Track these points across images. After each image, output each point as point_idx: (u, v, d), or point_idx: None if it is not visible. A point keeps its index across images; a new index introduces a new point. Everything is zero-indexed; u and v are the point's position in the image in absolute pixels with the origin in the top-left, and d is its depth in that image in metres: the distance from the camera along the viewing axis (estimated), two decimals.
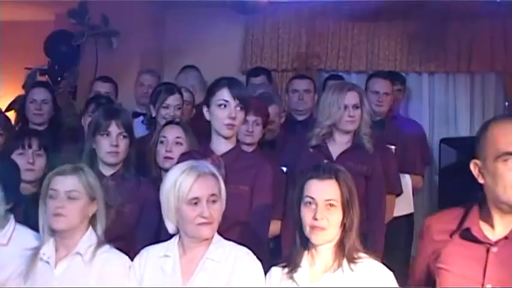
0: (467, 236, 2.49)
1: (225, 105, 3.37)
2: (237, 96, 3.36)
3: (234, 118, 3.36)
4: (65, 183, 2.95)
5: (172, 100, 4.45)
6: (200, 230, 2.79)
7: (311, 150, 4.05)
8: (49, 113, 4.81)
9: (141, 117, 5.14)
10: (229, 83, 3.41)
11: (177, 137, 3.91)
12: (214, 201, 2.81)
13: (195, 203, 2.78)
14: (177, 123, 4.04)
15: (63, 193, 2.93)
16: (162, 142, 3.92)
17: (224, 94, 3.38)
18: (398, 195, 4.50)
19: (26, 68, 6.57)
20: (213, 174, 2.85)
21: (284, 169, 4.17)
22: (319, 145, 4.05)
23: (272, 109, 4.42)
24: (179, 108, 4.47)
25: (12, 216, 3.15)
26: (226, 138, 3.41)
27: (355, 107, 3.98)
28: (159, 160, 3.91)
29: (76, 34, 6.39)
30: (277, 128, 4.59)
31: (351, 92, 4.00)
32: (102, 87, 5.27)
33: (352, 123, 3.99)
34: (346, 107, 3.97)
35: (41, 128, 4.67)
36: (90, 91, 5.40)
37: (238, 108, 3.37)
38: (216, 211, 2.81)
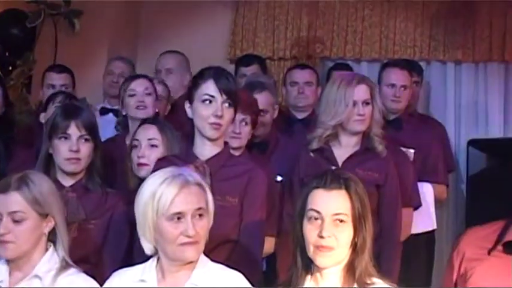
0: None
1: (210, 101, 3.36)
2: (225, 90, 3.35)
3: (220, 116, 3.35)
4: (7, 203, 2.93)
5: (137, 84, 4.50)
6: (183, 251, 2.77)
7: (312, 154, 4.06)
8: None
9: (110, 114, 5.16)
10: (216, 73, 3.40)
11: (151, 139, 3.90)
12: (200, 216, 2.79)
13: (178, 219, 2.76)
14: (152, 122, 4.03)
15: (6, 215, 2.92)
16: (135, 146, 3.92)
17: (209, 88, 3.37)
18: (416, 208, 4.52)
19: None
20: (199, 184, 2.83)
21: (279, 178, 4.17)
22: (321, 149, 4.06)
23: (263, 97, 4.41)
24: (148, 94, 4.50)
25: None
26: (211, 140, 3.41)
27: (366, 103, 4.00)
28: (134, 167, 3.91)
29: (31, 14, 6.38)
30: (270, 122, 4.55)
31: (360, 85, 4.01)
32: (58, 79, 5.25)
33: (362, 122, 4.01)
34: (355, 103, 3.98)
35: None
36: (42, 84, 5.39)
37: (226, 105, 3.36)
38: (203, 228, 2.79)
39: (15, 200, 2.93)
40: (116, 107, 5.35)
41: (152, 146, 3.88)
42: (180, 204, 2.76)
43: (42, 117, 4.59)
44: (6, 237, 2.90)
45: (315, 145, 4.06)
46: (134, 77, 4.58)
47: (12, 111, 5.00)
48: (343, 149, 4.06)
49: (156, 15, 6.75)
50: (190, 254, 2.78)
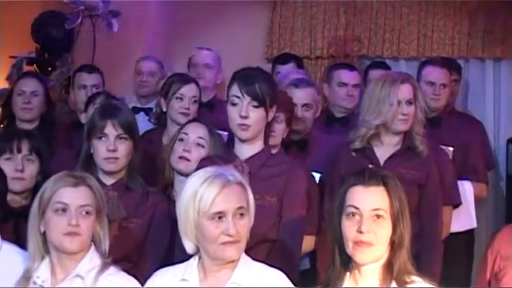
0: None
1: (236, 103, 3.43)
2: (248, 91, 3.41)
3: (245, 117, 3.41)
4: (77, 196, 2.99)
5: (187, 90, 4.50)
6: (224, 250, 2.80)
7: (353, 154, 4.08)
8: (40, 107, 4.84)
9: (142, 113, 5.20)
10: (241, 75, 3.47)
11: (200, 137, 3.93)
12: (241, 216, 2.82)
13: (219, 218, 2.80)
14: (203, 122, 4.05)
15: (76, 208, 2.97)
16: (181, 140, 3.94)
17: (235, 89, 3.44)
18: (456, 206, 4.53)
19: (11, 57, 6.64)
20: (240, 184, 2.87)
21: (317, 176, 4.20)
22: (363, 148, 4.07)
23: (309, 92, 4.47)
24: (195, 102, 4.52)
25: None
26: (243, 140, 3.47)
27: (409, 102, 4.02)
28: (173, 159, 3.93)
29: (70, 16, 6.44)
30: (312, 119, 4.60)
31: (404, 84, 4.03)
32: (89, 80, 5.31)
33: (405, 122, 4.02)
34: (399, 103, 4.00)
35: (30, 126, 4.72)
36: (72, 85, 5.45)
37: (252, 106, 3.42)
38: (244, 227, 2.82)
39: (86, 194, 3.00)
40: (146, 106, 5.41)
41: (199, 144, 3.92)
42: (221, 203, 2.79)
43: (83, 118, 4.64)
44: (77, 229, 2.95)
45: (357, 145, 4.08)
46: (186, 81, 4.55)
47: (53, 111, 5.09)
48: (385, 148, 4.08)
49: (193, 15, 6.78)
50: (231, 253, 2.81)
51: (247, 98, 3.40)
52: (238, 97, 3.42)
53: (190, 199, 2.83)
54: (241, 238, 2.82)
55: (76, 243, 2.97)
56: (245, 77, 3.45)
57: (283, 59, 5.87)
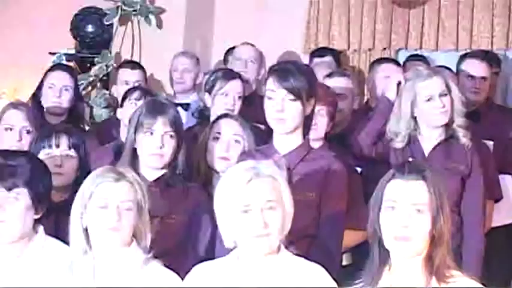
0: None
1: (271, 97, 3.44)
2: (284, 84, 3.41)
3: (280, 111, 3.42)
4: (118, 192, 3.01)
5: (233, 87, 4.51)
6: (255, 242, 2.82)
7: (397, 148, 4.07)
8: (69, 102, 4.86)
9: (179, 109, 5.22)
10: (277, 69, 3.48)
11: (235, 134, 3.95)
12: (271, 209, 2.83)
13: (248, 211, 2.82)
14: (233, 117, 4.08)
15: (117, 203, 3.00)
16: (217, 139, 3.96)
17: (270, 83, 3.45)
18: (497, 201, 4.50)
19: (50, 53, 6.71)
20: (272, 177, 2.88)
21: (358, 169, 4.19)
22: (407, 142, 4.08)
23: (341, 81, 4.50)
24: (239, 98, 4.53)
25: (42, 228, 3.25)
26: (280, 134, 3.47)
27: (442, 95, 4.00)
28: (212, 160, 3.95)
29: (108, 11, 6.49)
30: (348, 109, 4.59)
31: (430, 79, 4.03)
32: (132, 76, 5.33)
33: (443, 114, 4.01)
34: (430, 98, 3.99)
35: (58, 120, 4.76)
36: (115, 80, 5.48)
37: (288, 99, 3.42)
38: (274, 220, 2.82)
39: (126, 190, 3.03)
40: (183, 101, 5.43)
41: (236, 141, 3.93)
42: (249, 196, 2.81)
43: (119, 113, 4.67)
44: (118, 224, 2.98)
45: (399, 144, 4.08)
46: (231, 77, 4.55)
47: (82, 106, 5.11)
48: (427, 141, 4.07)
49: (231, 10, 6.80)
50: (261, 246, 2.82)
51: (282, 92, 3.41)
52: (273, 91, 3.43)
53: (223, 193, 2.87)
54: (272, 231, 2.82)
55: (116, 238, 3.00)
56: (280, 70, 3.46)
57: (321, 52, 5.86)
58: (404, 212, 2.70)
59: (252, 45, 5.57)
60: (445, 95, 4.00)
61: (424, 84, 4.01)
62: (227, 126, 3.98)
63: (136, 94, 4.57)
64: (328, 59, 5.69)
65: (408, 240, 2.69)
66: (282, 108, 3.41)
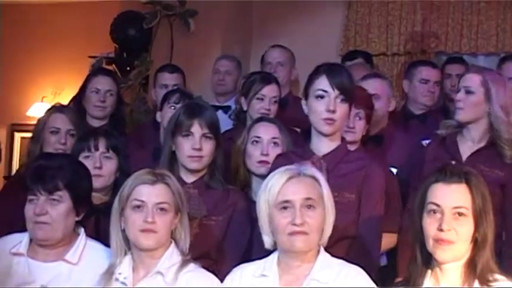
0: None
1: (322, 96, 3.40)
2: (337, 85, 3.38)
3: (333, 111, 3.38)
4: (154, 193, 3.02)
5: (269, 90, 4.49)
6: (292, 240, 2.81)
7: (436, 149, 4.04)
8: (112, 106, 4.88)
9: (220, 111, 5.22)
10: (329, 69, 3.44)
11: (273, 137, 3.93)
12: (310, 207, 2.83)
13: (286, 208, 2.82)
14: (270, 120, 4.07)
15: (153, 205, 3.00)
16: (256, 142, 3.94)
17: (322, 83, 3.41)
18: None
19: (90, 57, 6.75)
20: (313, 177, 2.88)
21: (394, 170, 4.16)
22: (446, 143, 4.03)
23: (376, 83, 4.46)
24: (275, 102, 4.51)
25: (83, 231, 3.26)
26: (326, 135, 3.44)
27: (467, 92, 3.96)
28: (251, 164, 3.94)
29: (147, 15, 6.51)
30: (383, 110, 4.56)
31: (468, 74, 4.02)
32: (170, 79, 5.34)
33: (459, 111, 3.97)
34: (459, 90, 4.00)
35: (100, 123, 4.78)
36: (154, 84, 5.49)
37: (339, 100, 3.39)
38: (313, 219, 2.83)
39: (162, 192, 3.03)
40: (224, 104, 5.43)
41: (275, 144, 3.91)
42: (288, 192, 2.82)
43: (159, 116, 4.67)
44: (153, 226, 2.98)
45: (443, 131, 4.05)
46: (267, 81, 4.53)
47: (124, 110, 5.14)
48: (468, 144, 4.01)
49: (268, 13, 6.80)
50: (299, 244, 2.81)
51: (336, 92, 3.38)
52: (325, 91, 3.39)
53: (263, 192, 2.89)
54: (311, 230, 2.82)
55: (151, 240, 3.00)
56: (333, 70, 3.44)
57: (351, 55, 5.83)
58: (446, 215, 2.67)
59: (282, 47, 5.56)
60: (471, 92, 3.93)
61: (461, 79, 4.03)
62: (265, 130, 3.97)
63: (175, 97, 4.57)
64: (359, 61, 5.65)
65: (449, 244, 2.67)
66: (334, 109, 3.38)
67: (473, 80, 3.96)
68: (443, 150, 4.01)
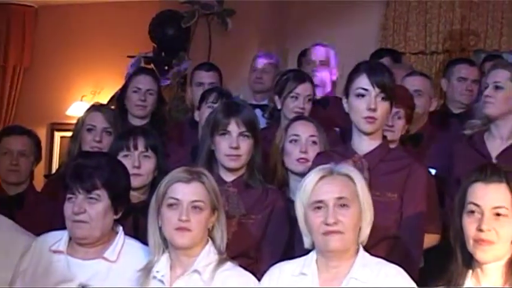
0: None
1: (363, 95, 3.37)
2: (378, 83, 3.35)
3: (374, 110, 3.35)
4: (189, 191, 3.01)
5: (303, 89, 4.47)
6: (326, 240, 2.80)
7: (466, 147, 3.99)
8: (153, 105, 4.88)
9: (257, 110, 5.20)
10: (369, 67, 3.41)
11: (312, 135, 3.90)
12: (343, 206, 2.81)
13: (320, 207, 2.81)
14: (308, 119, 4.05)
15: (187, 203, 3.00)
16: (294, 141, 3.92)
17: (362, 81, 3.37)
18: None
19: (129, 56, 6.77)
20: (347, 175, 2.87)
21: (432, 171, 4.12)
22: (474, 141, 4.00)
23: (419, 80, 4.46)
24: (309, 100, 4.49)
25: (121, 229, 3.27)
26: (367, 134, 3.41)
27: (496, 87, 3.91)
28: (290, 162, 3.91)
29: (186, 15, 6.53)
30: (424, 108, 4.53)
31: (496, 69, 3.97)
32: (206, 77, 5.33)
33: (489, 106, 3.93)
34: (487, 86, 3.96)
35: (141, 123, 4.76)
36: (190, 82, 5.49)
37: (380, 98, 3.36)
38: (347, 218, 2.81)
39: (197, 190, 3.02)
40: (261, 103, 5.41)
41: (313, 142, 3.88)
42: (320, 192, 2.82)
43: (197, 116, 4.67)
44: (187, 224, 2.97)
45: (468, 132, 4.03)
46: (301, 80, 4.49)
47: (164, 109, 5.13)
48: (497, 142, 3.98)
49: (305, 12, 6.79)
50: (333, 244, 2.80)
51: (376, 90, 3.35)
52: (365, 89, 3.36)
53: (299, 191, 2.89)
54: (345, 229, 2.81)
55: (186, 238, 2.99)
56: (373, 68, 3.41)
57: (378, 54, 5.79)
58: (486, 215, 2.64)
59: (325, 45, 5.52)
60: (500, 88, 3.91)
61: (489, 74, 4.01)
62: (304, 128, 3.94)
63: (213, 97, 4.55)
64: (386, 60, 5.60)
65: (490, 245, 2.64)
66: (375, 107, 3.35)
67: (501, 75, 3.92)
68: (472, 148, 3.98)
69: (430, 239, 3.86)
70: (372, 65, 3.45)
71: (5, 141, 4.24)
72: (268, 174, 3.88)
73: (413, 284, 2.83)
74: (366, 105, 3.35)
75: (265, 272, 3.04)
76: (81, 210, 3.12)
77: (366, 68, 3.39)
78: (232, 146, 3.54)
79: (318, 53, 5.47)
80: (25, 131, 4.33)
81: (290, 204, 3.56)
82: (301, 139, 3.90)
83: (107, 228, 3.19)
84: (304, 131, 3.92)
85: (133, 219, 3.54)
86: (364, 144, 3.43)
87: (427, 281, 2.86)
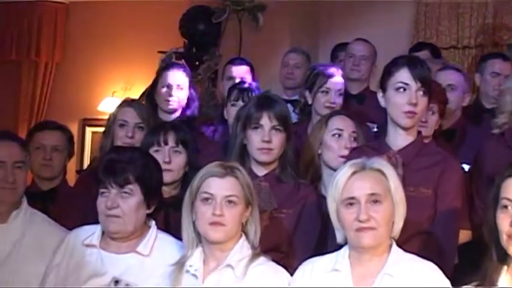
0: None
1: (404, 89, 3.36)
2: (419, 77, 3.34)
3: (415, 104, 3.34)
4: (223, 186, 3.01)
5: (333, 84, 4.45)
6: (359, 236, 2.79)
7: (495, 144, 3.96)
8: (183, 100, 4.86)
9: (288, 105, 5.19)
10: (410, 61, 3.41)
11: (353, 131, 3.87)
12: (376, 202, 2.80)
13: (352, 204, 2.80)
14: (347, 114, 3.99)
15: (222, 198, 2.99)
16: (338, 135, 3.86)
17: (403, 75, 3.37)
18: None
19: (160, 52, 6.79)
20: (380, 171, 2.85)
21: (466, 167, 4.09)
22: (505, 137, 3.95)
23: (453, 74, 4.43)
24: (340, 95, 4.48)
25: (153, 223, 3.28)
26: (405, 129, 3.40)
27: None
28: (331, 157, 3.86)
29: (217, 10, 6.54)
30: (457, 102, 4.51)
31: None
32: (236, 72, 5.32)
33: None
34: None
35: (171, 118, 4.76)
36: (222, 77, 5.49)
37: (421, 93, 3.35)
38: (379, 214, 2.79)
39: (232, 184, 3.02)
40: (293, 98, 5.40)
41: (354, 139, 3.86)
42: (352, 188, 2.80)
43: (225, 112, 4.68)
44: (221, 219, 2.97)
45: (495, 130, 3.99)
46: (331, 74, 4.47)
47: (195, 104, 5.08)
48: None
49: (337, 7, 6.77)
50: (366, 240, 2.79)
51: (418, 85, 3.34)
52: (406, 83, 3.35)
53: (330, 187, 2.88)
54: (378, 225, 2.79)
55: (220, 233, 2.99)
56: (414, 62, 3.40)
57: (417, 47, 5.76)
58: None
59: (366, 41, 5.49)
60: None
61: None
62: (346, 124, 3.90)
63: (234, 95, 4.51)
64: (424, 53, 5.57)
65: None
66: (416, 102, 3.34)
67: None
68: (503, 145, 3.92)
69: (463, 235, 3.83)
70: (412, 59, 3.44)
71: (39, 136, 4.26)
72: (300, 169, 3.88)
73: (447, 281, 2.81)
74: (407, 99, 3.34)
75: (296, 267, 3.03)
76: (114, 204, 3.14)
77: (406, 62, 3.38)
78: (264, 140, 3.54)
79: (360, 47, 5.44)
80: (58, 126, 4.35)
81: (322, 199, 3.57)
82: (344, 134, 3.87)
83: (140, 222, 3.21)
84: (347, 126, 3.89)
85: (165, 214, 3.55)
86: (399, 140, 3.42)
87: (461, 278, 2.83)
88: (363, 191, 2.80)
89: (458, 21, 6.49)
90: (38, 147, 4.20)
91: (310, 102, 4.48)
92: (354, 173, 2.83)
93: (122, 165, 3.18)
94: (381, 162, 2.90)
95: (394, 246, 2.85)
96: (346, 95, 4.58)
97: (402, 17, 6.66)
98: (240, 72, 5.26)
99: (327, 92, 4.43)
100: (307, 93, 4.51)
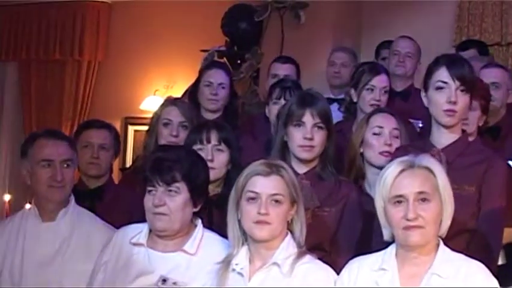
0: None
1: (443, 88, 3.36)
2: (458, 76, 3.34)
3: (454, 103, 3.34)
4: (268, 185, 3.02)
5: (378, 81, 4.44)
6: (407, 235, 2.78)
7: None
8: (225, 99, 4.89)
9: (334, 104, 5.19)
10: (449, 60, 3.40)
11: (395, 128, 3.86)
12: (424, 201, 2.79)
13: (400, 202, 2.79)
14: (389, 112, 3.99)
15: (267, 197, 3.00)
16: (378, 133, 3.86)
17: (442, 74, 3.37)
18: None
19: (202, 50, 6.82)
20: (427, 168, 2.84)
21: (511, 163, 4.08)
22: None
23: (496, 71, 4.42)
24: (385, 92, 4.47)
25: (200, 222, 3.31)
26: (447, 127, 3.39)
27: None
28: (372, 155, 3.87)
29: (259, 8, 6.54)
30: (502, 100, 4.49)
31: None
32: (281, 69, 5.31)
33: None
34: None
35: (214, 116, 4.79)
36: (267, 75, 5.50)
37: (460, 91, 3.35)
38: (427, 212, 2.78)
39: (277, 183, 3.02)
40: (339, 97, 5.39)
41: (396, 137, 3.85)
42: (400, 186, 2.79)
43: (267, 111, 4.68)
44: (267, 217, 2.98)
45: None
46: (377, 72, 4.47)
47: (237, 102, 5.15)
48: None
49: (379, 4, 6.75)
50: (414, 239, 2.78)
51: (457, 83, 3.35)
52: (445, 82, 3.36)
53: (378, 185, 2.87)
54: (426, 223, 2.78)
55: (265, 231, 3.00)
56: (453, 61, 3.40)
57: (464, 45, 5.72)
58: None
59: (411, 38, 5.46)
60: None
61: None
62: (387, 121, 3.90)
63: (276, 93, 4.50)
64: (472, 51, 5.53)
65: None
66: (455, 100, 3.34)
67: None
68: None
69: (508, 233, 3.82)
70: (451, 58, 3.44)
71: (86, 134, 4.28)
72: (343, 167, 3.89)
73: (495, 281, 2.79)
74: (446, 98, 3.34)
75: (340, 265, 3.05)
76: (161, 202, 3.17)
77: (445, 61, 3.39)
78: (306, 137, 3.54)
79: (405, 44, 5.41)
80: (105, 125, 4.37)
81: (364, 197, 3.57)
82: (385, 131, 3.87)
83: (186, 220, 3.23)
84: (388, 123, 3.89)
85: (208, 213, 3.55)
86: (443, 138, 3.42)
87: (509, 277, 2.82)
88: (411, 189, 2.79)
89: (502, 18, 6.44)
90: (85, 146, 4.21)
91: (355, 100, 4.48)
92: (402, 170, 2.82)
93: (169, 163, 3.20)
94: (429, 160, 2.90)
95: (442, 245, 2.84)
96: (390, 92, 4.56)
97: (445, 15, 6.62)
98: (285, 70, 5.27)
99: (372, 90, 4.42)
100: (352, 91, 4.51)
